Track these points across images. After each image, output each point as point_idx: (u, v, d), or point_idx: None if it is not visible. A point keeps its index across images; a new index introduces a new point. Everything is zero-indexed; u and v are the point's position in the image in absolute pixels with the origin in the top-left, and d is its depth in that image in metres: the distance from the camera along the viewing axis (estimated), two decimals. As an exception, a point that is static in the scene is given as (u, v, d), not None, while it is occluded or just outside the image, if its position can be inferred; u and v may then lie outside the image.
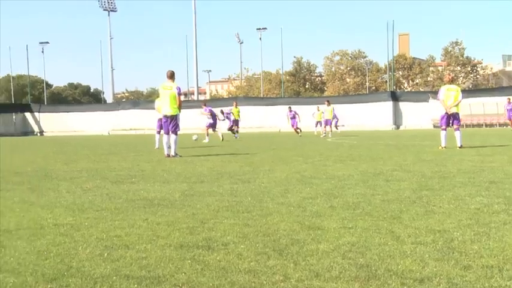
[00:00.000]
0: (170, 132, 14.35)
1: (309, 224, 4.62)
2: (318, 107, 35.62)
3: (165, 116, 14.51)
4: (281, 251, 3.72)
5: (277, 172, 9.38)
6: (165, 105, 14.43)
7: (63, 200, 6.39)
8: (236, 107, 32.61)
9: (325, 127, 31.82)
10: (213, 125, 27.45)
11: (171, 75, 14.51)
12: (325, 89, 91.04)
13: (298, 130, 32.92)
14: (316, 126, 35.49)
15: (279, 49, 73.18)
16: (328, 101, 32.77)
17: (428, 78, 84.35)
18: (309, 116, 37.38)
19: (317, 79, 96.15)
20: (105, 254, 3.69)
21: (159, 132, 18.73)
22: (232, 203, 5.88)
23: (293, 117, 33.67)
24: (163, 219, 4.97)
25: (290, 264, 3.39)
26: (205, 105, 29.63)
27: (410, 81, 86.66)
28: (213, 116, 27.77)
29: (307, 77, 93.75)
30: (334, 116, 34.75)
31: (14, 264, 3.46)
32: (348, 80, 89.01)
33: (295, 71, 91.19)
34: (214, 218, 4.99)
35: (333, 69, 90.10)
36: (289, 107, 35.22)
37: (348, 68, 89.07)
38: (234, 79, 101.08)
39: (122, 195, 6.67)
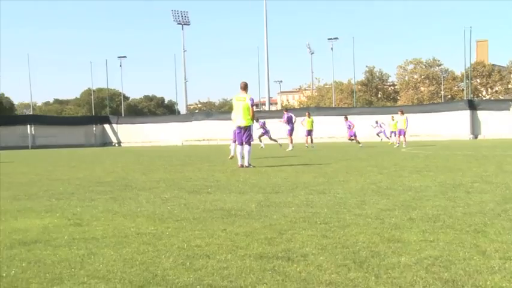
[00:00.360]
0: (244, 143, 14.52)
1: (388, 237, 4.55)
2: (393, 117, 34.99)
3: (239, 127, 14.68)
4: (361, 263, 3.68)
5: (352, 183, 9.28)
6: (238, 116, 14.61)
7: (144, 209, 6.59)
8: (309, 117, 32.84)
9: (399, 137, 31.20)
10: (291, 131, 29.25)
11: (245, 87, 14.69)
12: (398, 98, 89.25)
13: (354, 140, 32.62)
14: (390, 136, 34.96)
15: (351, 59, 72.73)
16: (401, 111, 32.11)
17: (509, 86, 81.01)
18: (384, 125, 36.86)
19: (390, 88, 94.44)
20: (188, 263, 3.78)
21: (235, 141, 19.00)
22: (309, 214, 5.87)
23: (349, 127, 33.38)
24: (242, 230, 5.03)
25: (371, 277, 3.35)
26: (286, 110, 30.62)
27: (489, 89, 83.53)
28: (290, 122, 29.34)
29: (379, 86, 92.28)
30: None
31: (104, 271, 3.61)
32: (422, 88, 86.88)
33: (367, 81, 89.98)
34: (292, 229, 5.00)
35: (406, 78, 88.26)
36: (345, 117, 34.85)
37: (422, 77, 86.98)
38: (305, 89, 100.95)
39: (200, 206, 6.80)
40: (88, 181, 11.11)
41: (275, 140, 29.89)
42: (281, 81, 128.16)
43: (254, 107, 15.00)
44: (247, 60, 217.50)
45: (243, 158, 14.55)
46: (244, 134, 14.54)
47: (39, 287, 3.27)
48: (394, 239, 4.45)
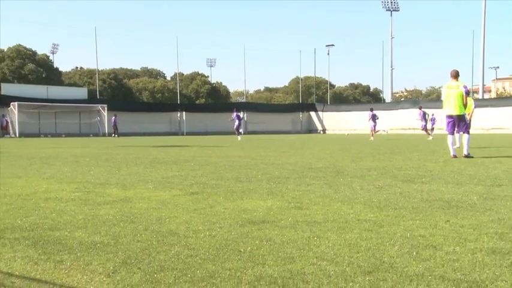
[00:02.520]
0: (461, 132, 14.10)
1: None
2: None
3: (450, 116, 14.06)
4: None
5: None
6: (449, 105, 13.98)
7: (360, 196, 6.62)
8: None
9: None
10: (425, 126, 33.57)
11: (456, 75, 14.06)
12: None
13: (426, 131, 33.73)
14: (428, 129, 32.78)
15: None
16: None
17: None
18: None
19: None
20: (414, 253, 3.70)
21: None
22: (542, 211, 5.37)
23: (431, 120, 33.66)
24: (467, 222, 4.78)
25: None
26: (420, 108, 34.33)
27: None
28: (423, 118, 33.46)
29: None
30: (423, 118, 33.72)
31: (331, 254, 3.70)
32: None
33: None
34: (525, 225, 4.62)
35: None
36: (420, 107, 35.28)
37: None
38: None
39: (417, 195, 6.63)
40: (300, 166, 11.49)
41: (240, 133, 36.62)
42: (497, 67, 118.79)
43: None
44: (458, 45, 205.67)
45: (458, 147, 13.93)
46: (459, 123, 13.98)
47: (274, 263, 3.47)
48: None
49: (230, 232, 4.48)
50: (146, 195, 6.86)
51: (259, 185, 7.99)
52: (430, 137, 31.63)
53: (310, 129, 71.08)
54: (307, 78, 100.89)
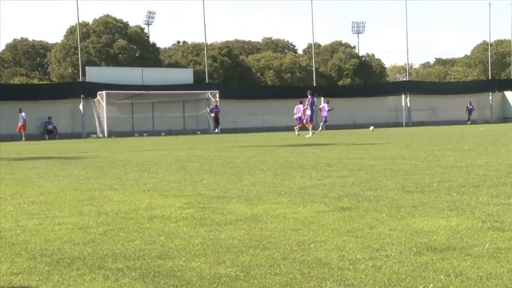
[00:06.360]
0: None
1: None
2: None
3: None
4: None
5: None
6: None
7: None
8: None
9: None
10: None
11: None
12: None
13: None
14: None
15: None
16: None
17: None
18: None
19: None
20: None
21: None
22: None
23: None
24: None
25: None
26: (311, 94, 36.06)
27: None
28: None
29: None
30: None
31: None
32: None
33: None
34: None
35: None
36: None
37: None
38: None
39: None
40: (495, 170, 11.17)
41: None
42: None
43: None
44: None
45: None
46: None
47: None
48: None
49: (402, 262, 4.46)
50: (280, 212, 7.00)
51: (437, 196, 7.89)
52: None
53: (506, 117, 68.44)
54: (499, 43, 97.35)
